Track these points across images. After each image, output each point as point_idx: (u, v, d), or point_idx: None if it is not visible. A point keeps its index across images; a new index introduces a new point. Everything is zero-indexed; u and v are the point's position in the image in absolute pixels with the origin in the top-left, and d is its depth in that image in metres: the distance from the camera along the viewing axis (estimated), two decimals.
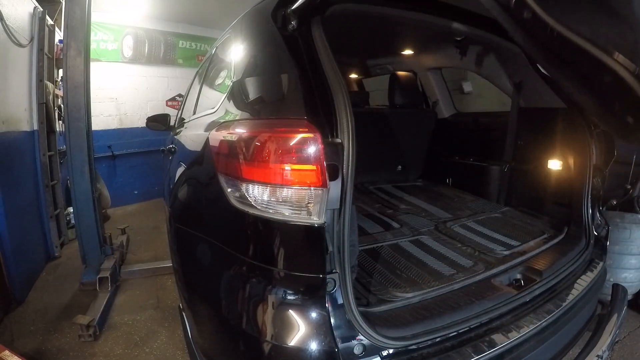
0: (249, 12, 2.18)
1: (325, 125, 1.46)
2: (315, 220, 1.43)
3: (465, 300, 1.79)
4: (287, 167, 1.42)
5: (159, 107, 7.39)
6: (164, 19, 7.24)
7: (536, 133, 2.89)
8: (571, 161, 2.56)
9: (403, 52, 3.76)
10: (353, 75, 5.05)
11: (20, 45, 3.91)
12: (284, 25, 1.76)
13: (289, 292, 1.47)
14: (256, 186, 1.48)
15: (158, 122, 4.05)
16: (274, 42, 1.80)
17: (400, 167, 3.95)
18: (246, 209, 1.53)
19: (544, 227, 2.64)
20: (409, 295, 1.80)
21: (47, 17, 4.54)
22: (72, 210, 4.25)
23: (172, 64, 7.61)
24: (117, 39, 6.79)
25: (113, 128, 7.08)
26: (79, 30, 3.75)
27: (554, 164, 2.71)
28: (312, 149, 1.40)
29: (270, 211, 1.47)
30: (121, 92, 7.11)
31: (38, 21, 4.34)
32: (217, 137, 1.81)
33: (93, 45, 6.14)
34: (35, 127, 4.40)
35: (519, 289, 1.89)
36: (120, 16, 6.67)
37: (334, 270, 1.46)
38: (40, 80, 4.38)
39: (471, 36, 2.62)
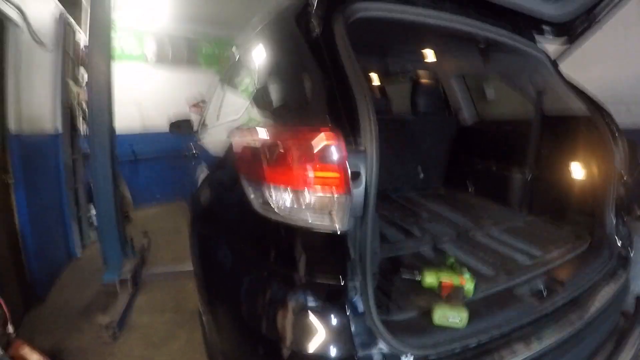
0: (273, 16, 2.19)
1: (348, 131, 1.47)
2: (338, 227, 1.43)
3: (487, 310, 1.77)
4: (311, 173, 1.43)
5: (182, 111, 7.46)
6: (188, 22, 7.31)
7: (559, 141, 2.84)
8: (595, 170, 2.51)
9: (424, 58, 3.73)
10: (376, 83, 5.03)
11: (44, 48, 3.99)
12: (308, 30, 1.77)
13: (309, 298, 1.47)
14: (280, 192, 1.50)
15: (180, 127, 4.08)
16: (298, 47, 1.81)
17: (422, 174, 3.91)
18: (269, 215, 1.54)
19: (567, 236, 2.58)
20: (429, 304, 1.77)
21: (72, 20, 4.62)
22: (94, 211, 4.31)
23: (196, 67, 7.69)
24: (141, 42, 6.90)
25: (136, 131, 7.17)
26: (102, 35, 3.81)
27: (578, 173, 2.66)
28: (335, 156, 1.41)
29: (293, 217, 1.48)
30: (145, 95, 7.20)
31: (63, 25, 4.43)
32: (241, 143, 1.82)
33: (117, 49, 6.25)
34: (59, 129, 4.48)
35: (541, 300, 1.87)
36: (144, 19, 6.77)
37: (355, 278, 1.46)
38: (64, 82, 4.47)
39: (494, 43, 2.60)
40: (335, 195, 1.42)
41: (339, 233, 1.43)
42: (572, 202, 2.71)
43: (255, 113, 1.98)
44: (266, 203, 1.55)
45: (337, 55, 1.67)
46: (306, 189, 1.45)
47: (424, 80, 3.68)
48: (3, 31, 3.31)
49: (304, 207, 1.46)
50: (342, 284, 1.45)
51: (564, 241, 2.50)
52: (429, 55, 3.62)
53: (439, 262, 2.25)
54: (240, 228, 1.83)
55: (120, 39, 6.65)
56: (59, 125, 4.47)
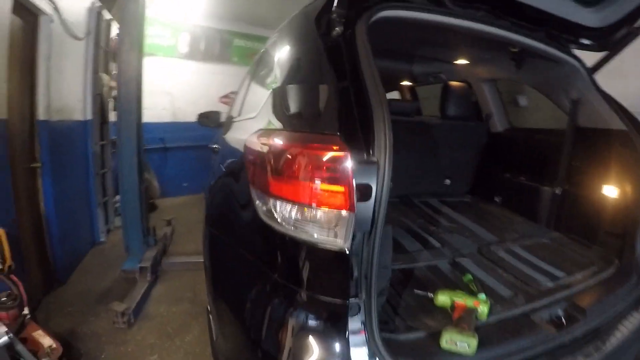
0: (296, 14, 2.14)
1: (360, 142, 1.40)
2: (340, 243, 1.37)
3: (500, 335, 1.67)
4: (313, 186, 1.37)
5: (212, 103, 7.48)
6: (221, 17, 7.33)
7: (593, 155, 2.68)
8: (629, 188, 2.35)
9: (455, 61, 3.61)
10: (404, 83, 4.93)
11: (76, 38, 4.07)
12: (328, 30, 1.71)
13: (309, 314, 1.42)
14: (281, 202, 1.45)
15: (209, 119, 4.10)
16: (315, 48, 1.76)
17: (448, 181, 3.78)
18: (273, 224, 1.50)
19: (594, 258, 2.43)
20: (439, 325, 1.69)
21: (105, 11, 4.70)
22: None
23: (227, 62, 7.71)
24: (174, 35, 6.97)
25: (166, 121, 7.25)
26: (133, 26, 3.87)
27: (610, 190, 2.49)
28: (340, 169, 1.34)
29: (294, 229, 1.43)
30: (175, 87, 7.27)
31: (95, 15, 4.52)
32: (250, 145, 1.79)
33: (149, 40, 6.33)
34: (89, 117, 4.58)
35: (559, 328, 1.75)
36: (178, 13, 6.84)
37: (358, 295, 1.40)
38: (95, 73, 4.56)
39: (527, 48, 2.47)
40: (338, 211, 1.36)
41: (341, 250, 1.37)
42: (602, 221, 2.55)
43: (270, 114, 1.92)
44: (270, 212, 1.50)
45: (355, 58, 1.60)
46: (307, 202, 1.39)
47: (454, 84, 3.56)
48: (35, 22, 3.38)
49: (304, 220, 1.41)
50: (343, 302, 1.39)
51: (589, 263, 2.36)
52: (459, 58, 3.49)
53: (455, 277, 2.16)
54: (246, 233, 1.79)
55: (154, 32, 6.73)
56: (88, 114, 4.57)
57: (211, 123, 4.08)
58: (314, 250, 1.42)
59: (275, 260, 1.55)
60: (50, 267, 3.63)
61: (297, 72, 1.87)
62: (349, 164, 1.33)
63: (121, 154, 4.07)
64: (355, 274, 1.39)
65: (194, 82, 7.45)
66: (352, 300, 1.40)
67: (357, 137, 1.41)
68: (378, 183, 1.37)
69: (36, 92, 3.41)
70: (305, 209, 1.39)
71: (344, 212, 1.35)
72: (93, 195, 4.72)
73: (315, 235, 1.40)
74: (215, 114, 4.14)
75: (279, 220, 1.46)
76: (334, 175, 1.34)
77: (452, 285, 2.05)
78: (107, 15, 4.87)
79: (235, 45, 7.70)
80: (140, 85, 4.08)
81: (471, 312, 1.72)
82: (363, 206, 1.36)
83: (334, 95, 1.52)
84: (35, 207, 3.50)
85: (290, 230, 1.43)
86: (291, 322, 1.42)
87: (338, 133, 1.39)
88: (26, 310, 2.49)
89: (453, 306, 1.77)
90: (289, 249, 1.48)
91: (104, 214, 4.94)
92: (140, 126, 4.11)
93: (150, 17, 6.37)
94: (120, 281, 3.92)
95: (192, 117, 7.11)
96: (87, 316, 3.32)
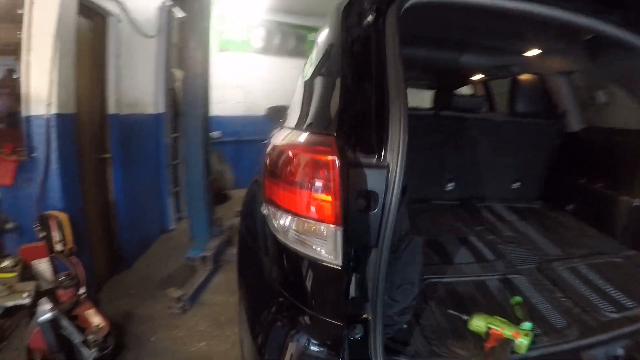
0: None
1: (368, 143, 1.27)
2: (330, 259, 1.22)
3: None
4: (297, 192, 1.25)
5: (286, 98, 7.60)
6: (295, 12, 7.40)
7: None
8: None
9: (525, 52, 3.24)
10: (475, 77, 4.60)
11: (146, 36, 4.31)
12: (357, 20, 1.58)
13: (306, 333, 1.32)
14: (273, 207, 1.37)
15: (276, 113, 4.14)
16: (337, 39, 1.64)
17: (516, 184, 3.46)
18: (271, 229, 1.43)
19: None
20: (468, 354, 1.50)
21: (178, 9, 4.92)
22: None
23: (302, 57, 7.77)
24: (248, 30, 7.16)
25: (241, 115, 7.47)
26: (198, 23, 4.02)
27: None
28: (325, 176, 1.19)
29: (289, 240, 1.33)
30: (249, 81, 7.48)
31: (166, 14, 4.76)
32: (265, 143, 1.74)
33: (224, 36, 6.58)
34: (161, 111, 4.86)
35: None
36: (252, 8, 7.00)
37: (361, 316, 1.28)
38: (167, 69, 4.82)
39: (601, 34, 2.12)
40: (325, 224, 1.21)
41: (331, 267, 1.22)
42: None
43: (295, 112, 1.82)
44: (268, 216, 1.43)
45: (380, 49, 1.44)
46: (292, 210, 1.27)
47: (524, 77, 3.22)
48: (104, 23, 3.62)
49: (296, 230, 1.29)
50: (342, 323, 1.25)
51: None
52: (528, 49, 3.15)
53: (502, 298, 1.91)
54: (260, 235, 1.73)
55: (228, 28, 6.95)
56: (161, 107, 4.84)
57: (278, 117, 4.12)
58: (307, 264, 1.30)
59: (275, 269, 1.49)
60: (117, 251, 3.91)
61: (317, 66, 1.76)
62: (336, 169, 1.17)
63: (187, 146, 4.27)
64: (354, 293, 1.26)
65: (268, 76, 7.58)
66: (353, 321, 1.27)
67: (364, 138, 1.28)
68: (388, 190, 1.23)
69: (106, 89, 3.66)
70: (294, 217, 1.28)
71: (330, 226, 1.20)
72: (164, 185, 5.02)
73: (304, 248, 1.28)
74: (283, 108, 4.16)
75: (275, 225, 1.38)
76: (319, 182, 1.20)
77: (496, 307, 1.83)
78: (180, 13, 5.09)
79: (310, 40, 7.73)
80: (207, 81, 4.23)
81: (507, 343, 1.50)
82: (365, 217, 1.23)
83: (342, 91, 1.38)
84: (105, 195, 3.78)
85: (284, 239, 1.34)
86: (286, 337, 1.34)
87: (334, 134, 1.25)
88: (82, 290, 2.70)
89: (488, 333, 1.57)
90: (285, 258, 1.40)
91: (175, 203, 5.21)
92: (206, 120, 4.26)
93: (223, 14, 6.64)
94: (183, 268, 4.10)
95: (264, 111, 7.30)
96: (146, 299, 3.52)
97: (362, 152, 1.26)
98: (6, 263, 2.33)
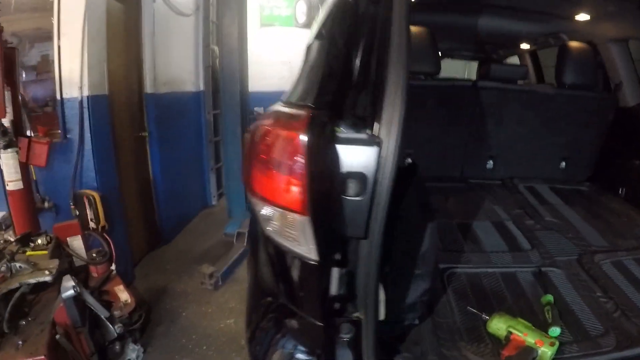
0: None
1: (355, 115, 1.12)
2: (306, 253, 1.09)
3: None
4: (262, 173, 1.12)
5: None
6: None
7: None
8: None
9: (574, 17, 2.92)
10: (522, 46, 4.24)
11: (183, 14, 4.32)
12: None
13: (292, 337, 1.25)
14: (249, 193, 1.24)
15: None
16: None
17: (563, 163, 3.17)
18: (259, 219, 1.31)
19: None
20: None
21: None
22: None
23: None
24: (291, 5, 7.01)
25: (286, 90, 7.45)
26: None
27: None
28: (290, 155, 1.02)
29: (270, 229, 1.20)
30: (294, 56, 7.36)
31: None
32: None
33: (267, 12, 6.48)
34: (202, 88, 4.92)
35: None
36: None
37: (354, 315, 1.18)
38: (206, 46, 4.83)
39: None
40: (292, 212, 1.07)
41: (311, 261, 1.08)
42: None
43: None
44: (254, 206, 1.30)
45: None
46: (262, 194, 1.14)
47: (573, 44, 2.91)
48: (137, 4, 3.66)
49: (274, 222, 1.16)
50: (327, 323, 1.16)
51: None
52: (578, 12, 2.82)
53: (532, 294, 1.74)
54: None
55: (273, 3, 6.85)
56: (201, 85, 4.90)
57: None
58: (290, 259, 1.19)
59: (264, 263, 1.42)
60: (156, 227, 4.06)
61: (317, 29, 1.54)
62: (301, 147, 0.99)
63: (225, 123, 4.31)
64: (339, 290, 1.14)
65: None
66: (338, 320, 1.17)
67: (352, 109, 1.13)
68: (380, 171, 1.05)
69: (142, 68, 3.73)
70: (269, 205, 1.15)
71: (299, 215, 1.05)
72: (206, 162, 5.12)
73: (285, 241, 1.15)
74: None
75: (258, 215, 1.24)
76: (285, 163, 1.04)
77: (523, 305, 1.67)
78: None
79: None
80: (245, 57, 4.22)
81: (528, 352, 1.35)
82: (351, 203, 1.08)
83: (329, 53, 1.22)
84: (144, 173, 3.91)
85: (267, 231, 1.22)
86: (273, 346, 1.28)
87: (311, 104, 1.09)
88: (113, 266, 2.82)
89: (508, 338, 1.41)
90: (270, 253, 1.31)
91: (216, 179, 5.31)
92: (245, 95, 4.29)
93: None
94: (221, 244, 4.19)
95: None
96: (182, 275, 3.63)
97: (349, 125, 1.09)
98: (39, 241, 2.46)
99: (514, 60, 4.79)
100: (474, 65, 5.90)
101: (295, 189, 1.03)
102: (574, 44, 2.91)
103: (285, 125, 1.06)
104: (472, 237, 2.25)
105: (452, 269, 1.90)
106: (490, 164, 3.15)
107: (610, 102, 3.00)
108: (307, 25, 7.30)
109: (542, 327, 1.45)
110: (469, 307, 1.60)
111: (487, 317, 1.50)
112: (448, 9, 3.13)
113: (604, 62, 3.06)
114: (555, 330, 1.44)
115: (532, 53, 4.39)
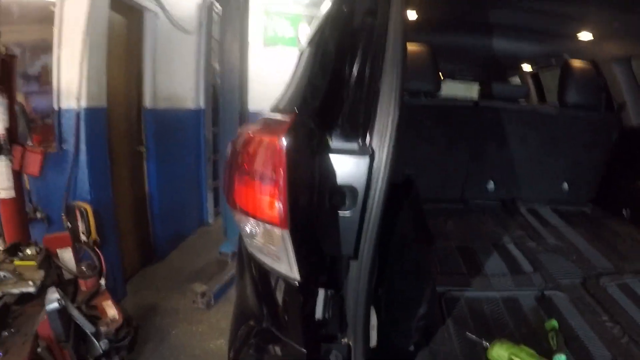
0: None
1: (345, 124, 1.05)
2: (287, 272, 1.00)
3: None
4: (248, 186, 1.01)
5: None
6: None
7: None
8: None
9: (576, 35, 2.90)
10: (524, 67, 4.26)
11: (185, 32, 4.35)
12: None
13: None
14: (231, 206, 1.14)
15: None
16: None
17: (566, 185, 3.11)
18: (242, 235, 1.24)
19: None
20: None
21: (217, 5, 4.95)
22: None
23: None
24: (294, 26, 7.11)
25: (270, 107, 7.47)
26: (234, 18, 4.03)
27: None
28: (269, 164, 0.93)
29: (252, 245, 1.12)
30: None
31: (206, 9, 4.79)
32: None
33: (270, 32, 6.57)
34: (202, 106, 4.93)
35: None
36: (297, 4, 6.95)
37: (343, 341, 1.10)
38: (208, 64, 4.86)
39: None
40: (275, 227, 0.96)
41: (292, 281, 1.00)
42: None
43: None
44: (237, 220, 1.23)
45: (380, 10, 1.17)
46: (248, 212, 1.04)
47: (576, 63, 2.89)
48: (140, 20, 3.69)
49: (256, 237, 1.07)
50: (311, 349, 1.07)
51: None
52: (579, 30, 2.81)
53: (535, 320, 1.67)
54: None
55: (276, 25, 6.94)
56: (201, 102, 4.91)
57: None
58: (273, 278, 1.14)
59: (247, 283, 1.35)
60: (150, 243, 3.99)
61: (310, 36, 1.51)
62: (282, 155, 0.90)
63: (223, 140, 4.30)
64: (325, 313, 1.05)
65: None
66: (325, 346, 1.09)
67: (342, 116, 1.05)
68: (371, 184, 0.98)
69: (142, 84, 3.74)
70: (249, 218, 1.05)
71: (278, 230, 0.95)
72: (203, 179, 5.09)
73: (266, 259, 1.07)
74: None
75: (241, 230, 1.15)
76: (264, 172, 0.95)
77: (526, 331, 1.60)
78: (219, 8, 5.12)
79: None
80: (244, 75, 4.22)
81: None
82: (339, 219, 1.00)
83: (319, 58, 1.16)
84: (140, 188, 3.87)
85: (250, 247, 1.14)
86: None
87: (296, 109, 1.01)
88: (102, 281, 2.75)
89: None
90: (254, 271, 1.25)
91: (214, 197, 5.27)
92: (244, 113, 4.25)
93: (271, 10, 6.63)
94: (215, 263, 4.12)
95: None
96: (174, 292, 3.55)
97: (339, 134, 1.02)
98: (28, 251, 2.40)
99: (516, 81, 4.80)
100: (476, 87, 5.93)
101: (274, 200, 0.94)
102: (576, 62, 2.90)
103: (266, 131, 0.99)
104: (471, 259, 2.19)
105: (450, 293, 1.84)
106: (491, 184, 3.10)
107: (614, 122, 2.97)
108: None
109: (546, 354, 1.38)
110: (468, 334, 1.53)
111: (487, 344, 1.43)
112: (449, 29, 3.14)
113: (607, 82, 3.04)
114: (560, 358, 1.37)
115: (533, 74, 4.40)
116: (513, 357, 1.34)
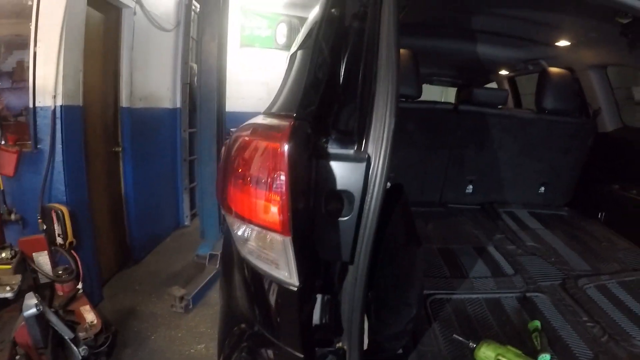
0: None
1: (342, 129, 1.06)
2: (285, 278, 1.01)
3: None
4: (244, 192, 1.02)
5: None
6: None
7: None
8: None
9: (554, 43, 2.99)
10: (502, 72, 4.36)
11: (163, 29, 4.28)
12: None
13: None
14: (225, 211, 1.16)
15: None
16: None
17: (542, 188, 3.21)
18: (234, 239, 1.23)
19: None
20: None
21: (196, 3, 4.88)
22: None
23: None
24: (272, 26, 7.07)
25: (263, 111, 7.42)
26: (213, 17, 3.96)
27: None
28: (270, 169, 0.95)
29: (246, 250, 1.12)
30: (272, 77, 7.35)
31: (184, 8, 4.72)
32: None
33: (248, 32, 6.51)
34: (178, 105, 4.84)
35: None
36: (275, 4, 6.92)
37: (337, 345, 1.11)
38: (185, 63, 4.78)
39: None
40: (274, 233, 0.98)
41: (290, 286, 1.00)
42: None
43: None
44: (229, 225, 1.23)
45: (374, 16, 1.17)
46: (245, 217, 1.05)
47: (553, 71, 2.97)
48: (118, 16, 3.60)
49: (251, 242, 1.08)
50: (302, 356, 1.07)
51: None
52: (557, 39, 2.89)
53: (518, 320, 1.71)
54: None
55: (253, 24, 6.89)
56: (177, 102, 4.82)
57: None
58: (268, 283, 1.12)
59: (239, 287, 1.34)
60: (126, 246, 3.89)
61: (301, 39, 1.51)
62: (283, 160, 0.91)
63: (200, 141, 4.22)
64: (322, 318, 1.08)
65: None
66: (319, 351, 1.10)
67: (339, 122, 1.06)
68: (368, 190, 0.99)
69: (119, 82, 3.65)
70: (246, 224, 1.06)
71: (279, 236, 0.96)
72: (180, 180, 5.00)
73: (262, 264, 1.07)
74: None
75: (234, 235, 1.15)
76: (264, 177, 0.96)
77: (510, 332, 1.64)
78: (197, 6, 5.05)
79: None
80: (223, 75, 4.16)
81: None
82: (336, 224, 1.01)
83: (314, 63, 1.15)
84: (116, 189, 3.76)
85: (243, 252, 1.13)
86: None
87: (294, 114, 1.01)
88: (80, 285, 2.67)
89: None
90: (247, 277, 1.23)
91: (190, 199, 5.19)
92: (221, 114, 4.19)
93: (248, 9, 6.58)
94: (192, 266, 4.05)
95: None
96: (151, 296, 3.48)
97: (335, 140, 1.03)
98: (3, 255, 2.31)
99: (493, 86, 4.90)
100: (452, 91, 6.01)
101: (275, 206, 0.95)
102: (553, 69, 2.98)
103: (265, 136, 0.99)
104: (453, 262, 2.22)
105: (434, 296, 1.86)
106: (470, 188, 3.16)
107: (589, 128, 3.07)
108: (288, 46, 7.36)
109: (531, 354, 1.42)
110: (454, 335, 1.55)
111: (474, 345, 1.46)
112: (427, 33, 3.17)
113: (582, 88, 3.13)
114: (545, 357, 1.41)
115: (510, 79, 4.51)
116: (500, 357, 1.37)
